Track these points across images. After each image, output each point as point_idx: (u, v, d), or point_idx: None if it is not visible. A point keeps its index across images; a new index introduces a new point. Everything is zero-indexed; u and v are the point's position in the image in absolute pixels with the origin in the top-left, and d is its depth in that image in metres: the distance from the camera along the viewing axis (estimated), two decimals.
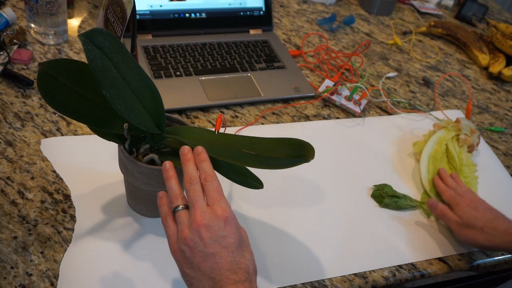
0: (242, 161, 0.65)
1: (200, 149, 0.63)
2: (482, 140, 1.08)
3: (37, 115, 0.89)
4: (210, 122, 0.96)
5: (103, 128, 0.66)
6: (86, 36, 0.58)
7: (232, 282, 0.55)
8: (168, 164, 0.63)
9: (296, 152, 0.67)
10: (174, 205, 0.60)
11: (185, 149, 0.63)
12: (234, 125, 0.97)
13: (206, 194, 0.60)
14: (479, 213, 0.79)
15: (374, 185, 0.90)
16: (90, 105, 0.65)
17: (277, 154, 0.66)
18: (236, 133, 0.94)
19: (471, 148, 0.99)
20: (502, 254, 0.86)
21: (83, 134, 0.88)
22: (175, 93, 0.99)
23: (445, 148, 0.96)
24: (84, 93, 0.65)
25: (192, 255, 0.57)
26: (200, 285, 0.57)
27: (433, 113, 1.11)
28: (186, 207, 0.60)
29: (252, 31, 1.19)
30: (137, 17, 1.07)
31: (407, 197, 0.89)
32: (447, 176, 0.90)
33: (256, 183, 0.70)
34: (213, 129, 0.92)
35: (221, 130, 0.93)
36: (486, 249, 0.81)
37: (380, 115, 1.08)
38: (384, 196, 0.88)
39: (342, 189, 0.90)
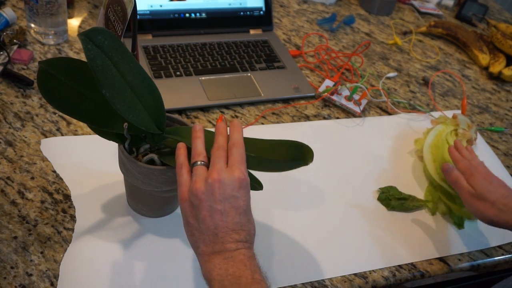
0: None
1: (237, 122, 0.64)
2: (482, 140, 1.08)
3: (37, 115, 0.89)
4: (210, 122, 0.96)
5: (103, 127, 0.66)
6: (86, 35, 0.58)
7: (233, 241, 0.57)
8: (199, 126, 0.64)
9: (295, 155, 0.67)
10: (195, 159, 0.61)
11: (222, 125, 0.64)
12: None
13: (230, 157, 0.60)
14: (493, 187, 0.78)
15: (380, 188, 0.90)
16: (90, 104, 0.65)
17: (276, 156, 0.66)
18: None
19: (469, 143, 1.00)
20: (502, 254, 0.86)
21: (83, 134, 0.88)
22: (175, 93, 0.98)
23: (445, 140, 0.96)
24: (84, 92, 0.65)
25: (200, 208, 0.58)
26: (201, 237, 0.58)
27: (433, 113, 1.11)
28: (206, 164, 0.61)
29: (252, 31, 1.19)
30: (137, 16, 1.06)
31: (413, 197, 0.89)
32: (462, 147, 0.88)
33: (255, 185, 0.70)
34: (214, 130, 0.92)
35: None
36: (493, 224, 0.78)
37: (380, 115, 1.08)
38: (391, 199, 0.88)
39: (342, 189, 0.90)
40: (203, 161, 0.61)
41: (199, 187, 0.58)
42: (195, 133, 0.63)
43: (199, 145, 0.62)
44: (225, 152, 0.61)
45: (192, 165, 0.61)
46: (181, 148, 0.63)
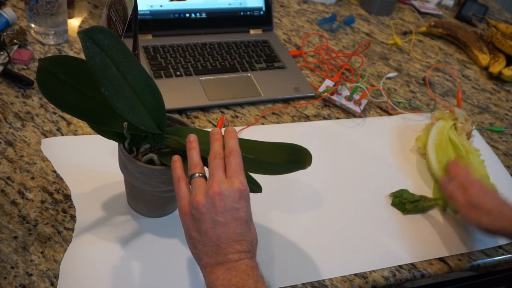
0: None
1: (231, 128, 0.64)
2: (482, 140, 1.08)
3: (37, 115, 0.89)
4: (210, 122, 0.96)
5: (103, 126, 0.66)
6: (86, 34, 0.58)
7: (235, 251, 0.58)
8: (193, 137, 0.64)
9: (293, 158, 0.66)
10: (192, 172, 0.61)
11: (216, 131, 0.65)
12: (234, 125, 0.97)
13: (227, 166, 0.61)
14: (488, 197, 0.80)
15: (392, 193, 0.89)
16: (90, 102, 0.65)
17: (274, 159, 0.66)
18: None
19: (468, 136, 1.01)
20: (502, 254, 0.86)
21: (83, 134, 0.88)
22: (175, 93, 0.98)
23: (448, 138, 0.96)
24: (84, 90, 0.65)
25: (202, 220, 0.58)
26: (203, 249, 0.59)
27: (434, 113, 1.11)
28: (204, 176, 0.61)
29: (252, 31, 1.19)
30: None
31: (425, 197, 0.89)
32: (460, 167, 0.89)
33: (254, 187, 0.70)
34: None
35: (223, 130, 0.93)
36: (489, 232, 0.81)
37: (381, 115, 1.08)
38: (405, 203, 0.87)
39: (342, 189, 0.90)
40: (201, 173, 0.61)
41: (200, 200, 0.58)
42: (189, 144, 0.63)
43: (195, 155, 0.62)
44: (222, 160, 0.61)
45: (190, 178, 0.61)
46: (176, 161, 0.63)
